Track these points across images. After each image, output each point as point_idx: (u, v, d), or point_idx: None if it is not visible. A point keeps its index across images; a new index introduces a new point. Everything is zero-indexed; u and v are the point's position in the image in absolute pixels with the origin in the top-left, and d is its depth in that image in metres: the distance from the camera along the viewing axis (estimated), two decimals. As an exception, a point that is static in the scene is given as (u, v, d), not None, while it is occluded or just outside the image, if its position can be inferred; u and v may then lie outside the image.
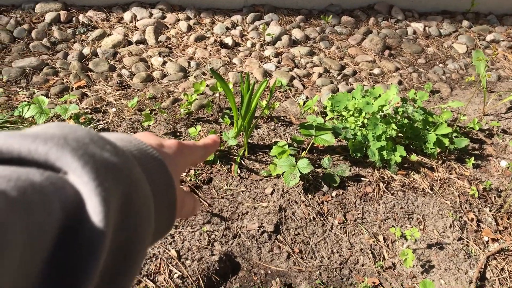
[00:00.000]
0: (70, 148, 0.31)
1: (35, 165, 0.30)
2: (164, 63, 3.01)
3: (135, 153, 0.41)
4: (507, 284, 1.92)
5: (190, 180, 2.13)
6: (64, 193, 0.30)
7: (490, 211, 2.25)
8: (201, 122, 2.52)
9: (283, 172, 2.12)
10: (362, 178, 2.29)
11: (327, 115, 2.67)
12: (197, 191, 2.10)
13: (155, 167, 0.42)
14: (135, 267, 0.36)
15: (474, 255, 2.01)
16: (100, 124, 2.33)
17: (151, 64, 2.99)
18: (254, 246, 1.90)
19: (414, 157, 2.43)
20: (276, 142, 2.36)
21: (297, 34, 3.53)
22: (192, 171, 2.19)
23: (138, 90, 2.74)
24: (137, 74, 2.86)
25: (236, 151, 2.35)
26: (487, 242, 2.09)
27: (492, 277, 1.93)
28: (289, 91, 2.99)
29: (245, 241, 1.91)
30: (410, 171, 2.38)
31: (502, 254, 2.03)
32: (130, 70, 2.90)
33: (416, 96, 2.53)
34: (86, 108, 2.48)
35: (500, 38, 3.92)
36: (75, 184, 0.31)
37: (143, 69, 2.90)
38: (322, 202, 2.14)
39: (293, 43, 3.46)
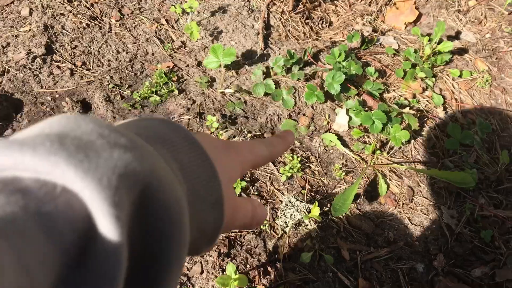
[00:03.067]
0: (65, 154, 0.23)
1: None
2: None
3: (160, 135, 0.34)
4: (289, 24, 2.01)
5: None
6: (71, 213, 0.23)
7: (263, -39, 2.22)
8: None
9: (34, -15, 1.79)
10: (127, -34, 2.04)
11: None
12: None
13: (190, 155, 0.34)
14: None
15: (256, 7, 2.03)
16: None
17: None
18: (29, 76, 1.67)
19: None
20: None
21: None
22: None
23: None
24: None
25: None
26: (265, -9, 2.11)
27: (275, 22, 2.00)
28: None
29: (16, 74, 1.66)
30: None
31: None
32: None
33: None
34: None
35: None
36: (82, 199, 0.24)
37: None
38: (92, 5, 1.90)
39: None
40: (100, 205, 0.23)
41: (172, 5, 1.95)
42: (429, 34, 2.01)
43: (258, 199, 1.48)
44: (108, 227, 0.24)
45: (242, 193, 1.47)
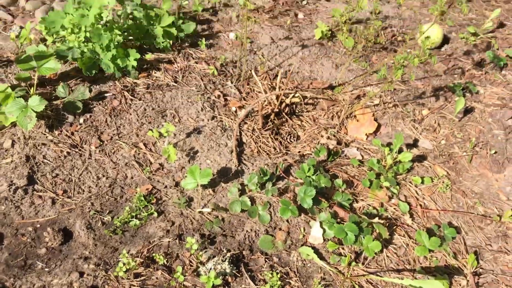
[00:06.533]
0: None
1: None
2: None
3: None
4: (260, 140, 2.14)
5: None
6: None
7: (232, 82, 2.42)
8: None
9: (17, 118, 1.89)
10: (105, 94, 2.19)
11: (47, 40, 2.41)
12: None
13: None
14: None
15: (229, 127, 2.17)
16: None
17: None
18: (11, 208, 1.71)
19: (149, 56, 2.40)
20: (-3, 89, 2.06)
21: (-18, -43, 2.98)
22: None
23: None
24: None
25: (-49, 114, 1.99)
26: (236, 111, 2.27)
27: (247, 139, 2.13)
28: (-4, 26, 2.59)
29: (-2, 207, 1.70)
30: (150, 71, 2.36)
31: (249, 117, 2.23)
32: None
33: (131, -7, 2.43)
34: None
35: None
36: None
37: None
38: (72, 133, 2.00)
39: (-19, -31, 2.92)
40: None
41: (150, 129, 2.07)
42: (389, 144, 2.17)
43: (240, 319, 1.50)
44: None
45: (225, 316, 1.49)
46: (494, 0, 3.37)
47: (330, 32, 2.82)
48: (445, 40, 2.91)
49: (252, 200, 1.85)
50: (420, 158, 2.15)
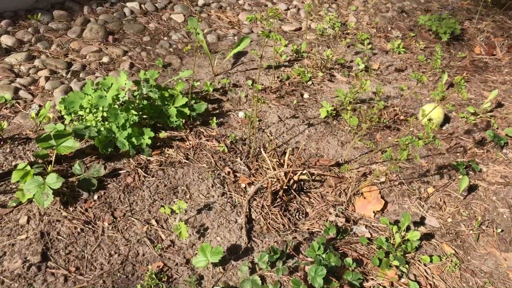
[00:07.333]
0: None
1: None
2: None
3: None
4: (269, 216, 2.18)
5: None
6: None
7: (241, 159, 2.50)
8: None
9: (34, 195, 1.95)
10: (119, 171, 2.26)
11: (65, 119, 2.52)
12: None
13: None
14: None
15: (238, 203, 2.22)
16: None
17: None
18: (23, 285, 1.72)
19: (163, 134, 2.50)
20: (16, 165, 2.14)
21: (7, 40, 3.18)
22: None
23: None
24: None
25: (-30, 191, 2.05)
26: (245, 188, 2.33)
27: (257, 216, 2.17)
28: (17, 104, 2.71)
29: (11, 284, 1.71)
30: (163, 149, 2.45)
31: (259, 193, 2.29)
32: None
33: (147, 75, 2.58)
34: None
35: (211, 1, 4.25)
36: None
37: None
38: (86, 210, 2.05)
39: (6, 51, 3.11)
40: None
41: (162, 206, 2.12)
42: (397, 222, 2.20)
43: None
44: None
45: None
46: (491, 81, 3.54)
47: (334, 111, 2.95)
48: (446, 119, 3.03)
49: (263, 279, 1.86)
50: (428, 236, 2.17)
